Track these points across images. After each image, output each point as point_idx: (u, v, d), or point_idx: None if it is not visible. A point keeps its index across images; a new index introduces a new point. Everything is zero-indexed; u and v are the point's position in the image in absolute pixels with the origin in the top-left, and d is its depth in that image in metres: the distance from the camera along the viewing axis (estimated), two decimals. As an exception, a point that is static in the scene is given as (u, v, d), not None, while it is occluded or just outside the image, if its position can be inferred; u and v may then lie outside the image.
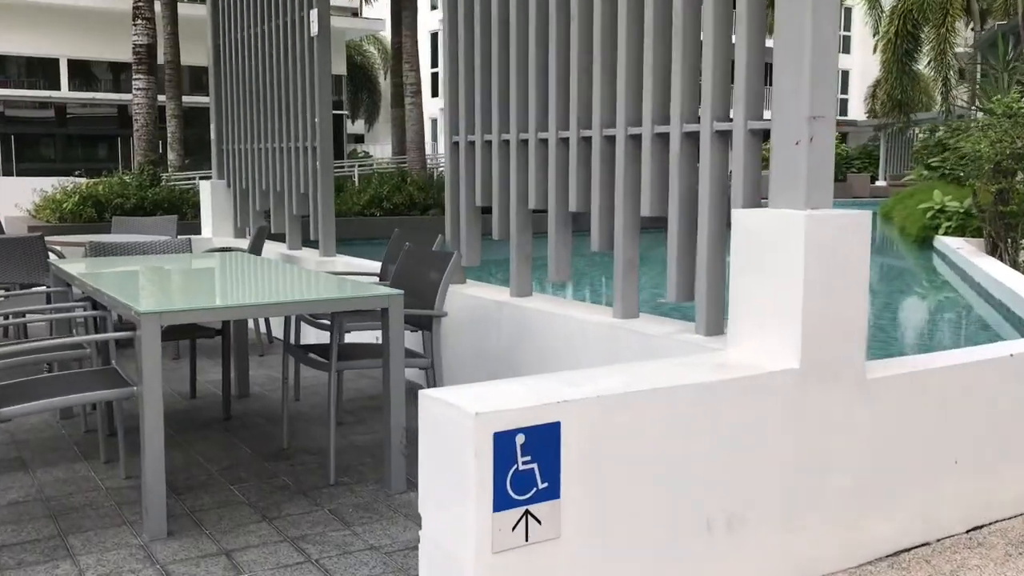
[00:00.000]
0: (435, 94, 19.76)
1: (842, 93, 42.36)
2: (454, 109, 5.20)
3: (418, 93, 17.71)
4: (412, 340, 5.20)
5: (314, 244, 7.13)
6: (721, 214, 3.73)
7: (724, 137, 3.70)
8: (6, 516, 3.54)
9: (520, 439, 2.38)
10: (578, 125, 4.35)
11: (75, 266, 4.49)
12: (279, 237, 7.79)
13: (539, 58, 4.56)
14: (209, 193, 8.78)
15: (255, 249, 6.61)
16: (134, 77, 12.81)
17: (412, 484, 3.78)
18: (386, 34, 28.33)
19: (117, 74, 23.73)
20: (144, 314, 3.18)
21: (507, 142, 4.85)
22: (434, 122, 37.57)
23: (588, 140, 4.35)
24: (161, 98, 23.21)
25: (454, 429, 2.40)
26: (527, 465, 2.40)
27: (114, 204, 10.64)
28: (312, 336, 6.02)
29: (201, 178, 16.89)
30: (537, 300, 4.72)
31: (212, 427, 4.77)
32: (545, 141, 4.61)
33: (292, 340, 5.09)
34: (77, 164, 22.35)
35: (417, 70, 17.81)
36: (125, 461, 3.98)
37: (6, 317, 7.14)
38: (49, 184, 11.84)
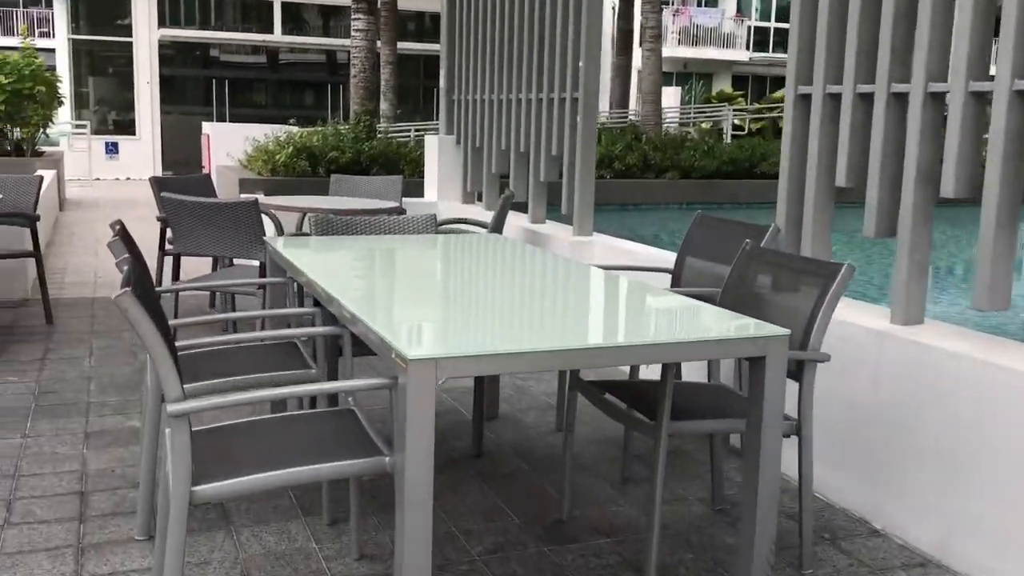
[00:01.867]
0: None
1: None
2: (805, 48, 3.78)
3: (658, 38, 16.12)
4: (725, 373, 3.89)
5: (558, 217, 5.93)
6: None
7: None
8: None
9: None
10: (1042, 73, 2.86)
11: (299, 254, 3.46)
12: (515, 206, 6.67)
13: (970, -30, 3.08)
14: (436, 150, 7.76)
15: (498, 224, 5.48)
16: (353, 17, 12.02)
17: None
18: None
19: (327, 19, 23.54)
20: (415, 361, 2.03)
21: (901, 96, 3.40)
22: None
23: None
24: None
25: None
26: None
27: (328, 157, 9.86)
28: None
29: (416, 131, 16.13)
30: (933, 331, 3.27)
31: (461, 468, 3.66)
32: (981, 95, 3.13)
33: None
34: (287, 111, 22.35)
35: (659, 11, 16.20)
36: (358, 535, 2.91)
37: (215, 302, 6.40)
38: (262, 132, 11.27)
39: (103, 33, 21.48)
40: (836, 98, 3.66)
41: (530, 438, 4.06)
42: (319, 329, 2.92)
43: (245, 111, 22.10)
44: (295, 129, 12.39)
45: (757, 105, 25.64)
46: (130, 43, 21.10)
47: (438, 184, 7.77)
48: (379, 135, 10.89)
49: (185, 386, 2.16)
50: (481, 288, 2.84)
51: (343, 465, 2.30)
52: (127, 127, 21.54)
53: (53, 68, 15.28)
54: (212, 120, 21.47)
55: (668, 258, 4.67)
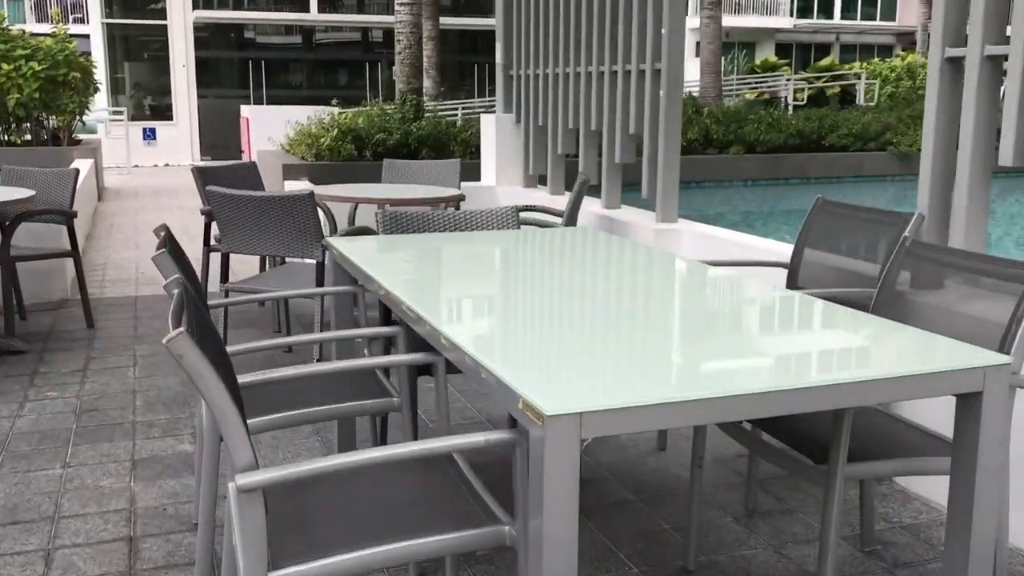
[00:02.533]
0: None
1: None
2: (956, 2, 3.23)
3: (718, 4, 15.42)
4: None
5: (632, 201, 5.43)
6: None
7: None
8: None
9: None
10: None
11: (371, 259, 3.00)
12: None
13: None
14: (493, 130, 7.28)
15: (573, 213, 4.99)
16: (398, -10, 11.54)
17: None
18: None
19: (362, -3, 23.06)
20: (555, 417, 1.56)
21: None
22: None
23: None
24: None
25: None
26: None
27: (375, 140, 9.41)
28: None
29: (464, 109, 15.61)
30: None
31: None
32: None
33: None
34: (326, 92, 21.96)
35: (721, -25, 15.51)
36: (456, 597, 2.46)
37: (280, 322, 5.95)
38: (304, 114, 10.84)
39: (137, 16, 21.22)
40: (997, 61, 3.12)
41: (630, 459, 3.60)
42: (407, 357, 2.46)
43: (283, 93, 21.77)
44: (337, 110, 11.97)
45: (804, 74, 24.78)
46: (165, 26, 20.81)
47: (496, 167, 7.29)
48: (426, 115, 10.42)
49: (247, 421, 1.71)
50: (606, 308, 2.37)
51: (450, 539, 1.85)
52: (164, 112, 21.29)
53: (88, 54, 15.00)
54: (250, 103, 21.15)
55: (777, 249, 4.16)
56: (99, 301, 6.28)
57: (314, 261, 4.44)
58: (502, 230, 3.64)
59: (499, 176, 7.29)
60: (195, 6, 20.98)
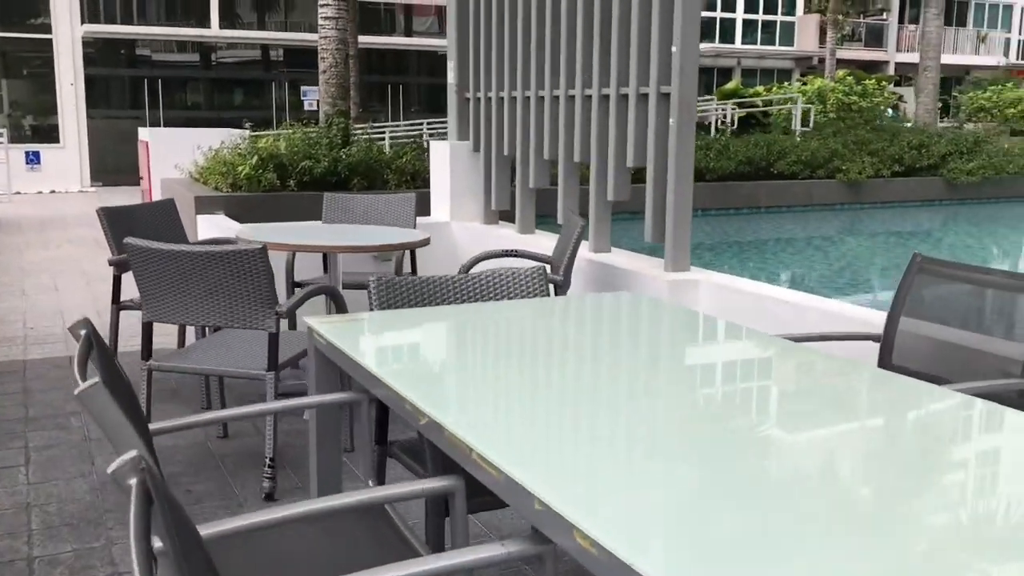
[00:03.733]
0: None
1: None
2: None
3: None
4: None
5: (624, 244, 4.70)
6: None
7: None
8: None
9: None
10: None
11: (373, 352, 2.17)
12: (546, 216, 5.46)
13: None
14: (446, 159, 6.47)
15: (569, 264, 4.23)
16: (320, 3, 10.56)
17: None
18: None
19: (261, 12, 21.97)
20: None
21: None
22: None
23: None
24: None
25: None
26: None
27: (300, 168, 8.48)
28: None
29: (393, 134, 14.70)
30: None
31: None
32: None
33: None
34: (226, 113, 20.78)
35: None
36: None
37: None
38: (210, 138, 9.83)
39: (17, 30, 19.67)
40: None
41: None
42: (434, 484, 1.65)
43: (181, 114, 20.45)
44: (249, 133, 10.98)
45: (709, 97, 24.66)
46: (49, 40, 19.32)
47: (451, 200, 6.48)
48: (353, 139, 9.52)
49: None
50: (703, 429, 1.58)
51: None
52: (49, 134, 19.74)
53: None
54: (146, 124, 19.81)
55: (856, 314, 3.46)
56: (-22, 368, 5.23)
57: (266, 332, 3.54)
58: (530, 298, 2.84)
59: (454, 211, 6.48)
60: (83, 20, 19.55)
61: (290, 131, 9.29)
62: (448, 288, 2.82)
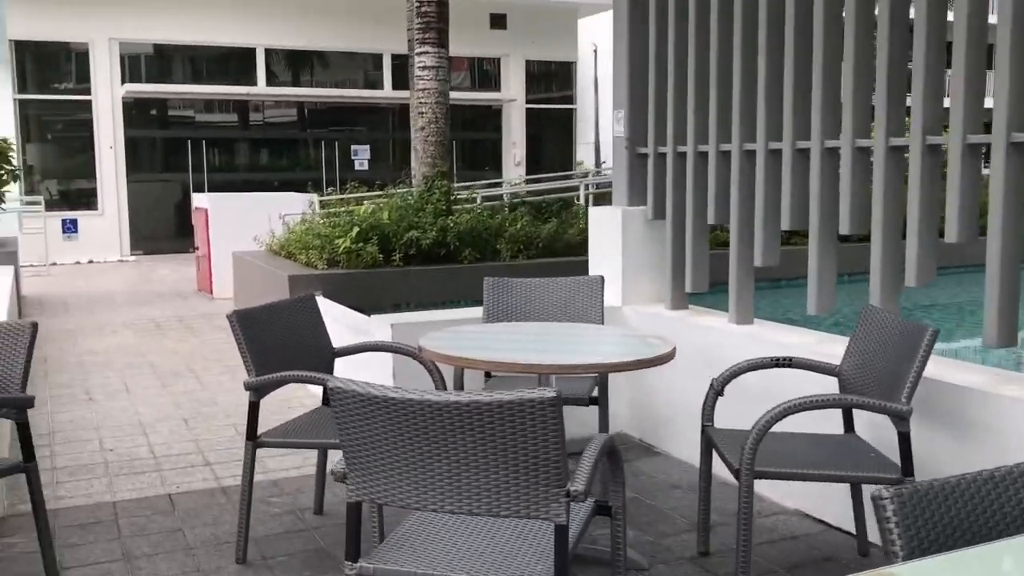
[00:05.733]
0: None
1: None
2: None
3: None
4: None
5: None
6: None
7: None
8: None
9: None
10: None
11: None
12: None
13: None
14: (614, 228, 5.34)
15: (912, 390, 3.04)
16: (417, 52, 9.45)
17: None
18: None
19: (302, 69, 21.19)
20: None
21: None
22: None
23: None
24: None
25: None
26: None
27: (406, 240, 7.40)
28: None
29: (485, 197, 13.62)
30: None
31: None
32: None
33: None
34: (276, 175, 19.87)
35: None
36: None
37: None
38: (280, 204, 8.79)
39: (54, 92, 18.94)
40: None
41: None
42: None
43: (227, 176, 19.55)
44: (315, 198, 9.95)
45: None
46: (89, 102, 18.54)
47: (623, 280, 5.33)
48: (456, 206, 8.43)
49: None
50: None
51: None
52: (86, 200, 18.87)
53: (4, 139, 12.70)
54: (190, 187, 18.96)
55: None
56: (54, 514, 4.07)
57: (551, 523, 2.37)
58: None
59: (626, 293, 5.33)
60: (123, 80, 18.80)
61: (391, 198, 8.21)
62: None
